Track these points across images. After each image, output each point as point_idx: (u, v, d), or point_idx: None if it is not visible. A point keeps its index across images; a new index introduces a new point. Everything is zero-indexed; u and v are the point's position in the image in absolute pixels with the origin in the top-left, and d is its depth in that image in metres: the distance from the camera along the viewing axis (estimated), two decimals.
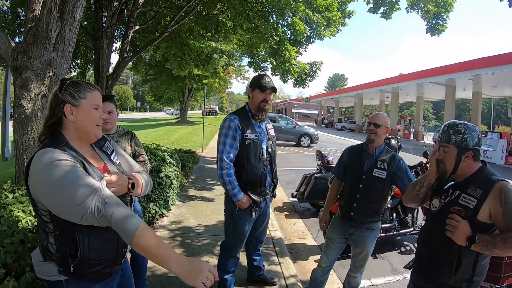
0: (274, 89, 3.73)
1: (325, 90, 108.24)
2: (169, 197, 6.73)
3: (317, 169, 8.69)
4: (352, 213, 3.68)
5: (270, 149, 3.87)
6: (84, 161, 1.83)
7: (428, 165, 6.64)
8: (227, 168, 3.56)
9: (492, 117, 67.00)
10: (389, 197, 6.09)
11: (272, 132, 4.00)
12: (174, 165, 7.26)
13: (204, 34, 12.41)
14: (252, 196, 3.70)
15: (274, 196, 4.11)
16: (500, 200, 2.14)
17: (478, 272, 2.30)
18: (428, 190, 2.53)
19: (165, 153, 7.12)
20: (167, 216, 6.62)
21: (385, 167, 3.61)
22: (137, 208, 3.86)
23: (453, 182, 2.43)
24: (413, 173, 6.30)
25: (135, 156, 3.71)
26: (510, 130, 33.88)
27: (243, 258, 4.49)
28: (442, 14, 8.44)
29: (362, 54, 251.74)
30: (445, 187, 2.45)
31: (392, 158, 3.67)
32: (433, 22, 8.64)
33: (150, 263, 4.51)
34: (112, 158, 2.13)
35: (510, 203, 2.12)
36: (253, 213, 3.78)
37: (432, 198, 2.50)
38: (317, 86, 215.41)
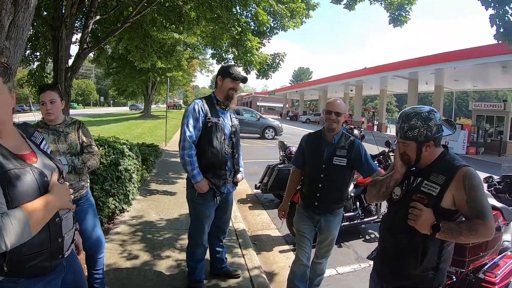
0: (245, 79, 3.85)
1: (290, 83, 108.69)
2: (129, 191, 6.55)
3: (280, 160, 8.73)
4: (316, 203, 3.66)
5: (233, 135, 3.91)
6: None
7: (391, 154, 6.72)
8: (189, 148, 3.59)
9: (453, 109, 68.77)
10: (352, 186, 6.15)
11: (236, 121, 4.05)
12: (133, 158, 7.05)
13: (167, 25, 12.18)
14: (212, 180, 3.71)
15: (236, 183, 4.08)
16: (464, 186, 2.10)
17: (444, 259, 2.26)
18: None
19: (124, 146, 6.88)
20: (128, 211, 6.45)
21: (344, 154, 3.59)
22: (91, 201, 3.70)
23: (413, 168, 2.37)
24: (376, 161, 6.35)
25: (83, 147, 3.53)
26: (471, 122, 34.97)
27: None
28: (405, 6, 8.52)
29: (328, 48, 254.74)
30: (405, 174, 2.38)
31: (351, 144, 3.65)
32: (396, 13, 8.71)
33: (109, 260, 4.39)
34: (42, 147, 1.98)
35: (474, 189, 2.09)
36: (216, 198, 3.80)
37: None
38: (282, 80, 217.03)
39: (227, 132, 3.84)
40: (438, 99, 36.51)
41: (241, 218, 6.77)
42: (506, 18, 5.94)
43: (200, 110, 3.67)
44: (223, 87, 3.79)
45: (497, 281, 3.24)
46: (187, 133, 3.59)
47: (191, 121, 3.63)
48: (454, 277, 3.23)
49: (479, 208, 2.07)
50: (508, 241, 4.05)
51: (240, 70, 3.83)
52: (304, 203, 3.81)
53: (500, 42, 6.23)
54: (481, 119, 31.55)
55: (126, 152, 6.72)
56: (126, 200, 6.47)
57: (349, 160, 3.60)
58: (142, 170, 8.60)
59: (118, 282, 4.07)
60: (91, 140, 3.63)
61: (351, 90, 50.69)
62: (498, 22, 6.02)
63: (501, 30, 6.03)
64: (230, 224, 5.97)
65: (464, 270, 3.25)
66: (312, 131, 3.94)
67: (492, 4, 5.97)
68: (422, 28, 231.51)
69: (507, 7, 5.91)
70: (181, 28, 11.88)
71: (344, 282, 4.89)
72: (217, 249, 4.35)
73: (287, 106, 79.67)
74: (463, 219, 2.18)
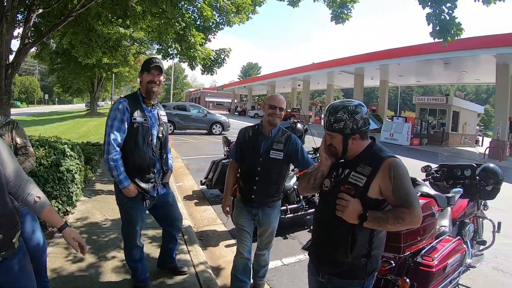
0: (159, 68, 3.62)
1: (238, 78, 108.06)
2: (72, 192, 6.29)
3: (225, 155, 8.74)
4: (253, 196, 3.69)
5: (160, 135, 3.76)
6: None
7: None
8: (113, 152, 3.40)
9: (398, 103, 71.25)
10: (295, 178, 6.24)
11: (164, 118, 3.89)
12: (75, 158, 6.78)
13: (113, 20, 11.84)
14: (140, 184, 3.56)
15: (165, 184, 3.95)
16: (389, 176, 2.16)
17: (375, 246, 2.31)
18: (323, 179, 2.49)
19: (65, 146, 6.60)
20: (72, 213, 6.23)
21: (281, 148, 3.66)
22: None
23: (342, 160, 2.42)
24: (318, 154, 6.47)
25: (17, 149, 3.38)
26: (414, 115, 36.51)
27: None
28: (347, 4, 8.65)
29: (276, 44, 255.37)
30: (334, 166, 2.43)
31: (288, 139, 3.73)
32: (338, 11, 8.84)
33: (54, 264, 4.25)
34: None
35: (399, 179, 2.15)
36: (146, 202, 3.66)
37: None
38: (230, 75, 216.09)
39: (154, 132, 3.69)
40: (383, 94, 38.19)
41: (187, 215, 6.72)
42: (442, 16, 6.20)
43: (125, 110, 3.47)
44: (143, 82, 3.64)
45: (435, 264, 3.37)
46: (111, 136, 3.40)
47: (115, 123, 3.44)
48: (393, 262, 3.33)
49: (404, 197, 2.14)
50: (445, 226, 4.23)
51: (156, 61, 3.65)
52: (242, 196, 3.85)
53: (435, 39, 6.47)
54: (424, 112, 33.22)
55: (68, 152, 6.46)
56: (70, 201, 6.23)
57: (286, 154, 3.66)
58: (86, 170, 8.33)
59: (64, 286, 3.94)
60: (25, 141, 3.47)
61: (299, 85, 51.49)
62: (434, 21, 6.27)
63: (437, 28, 6.28)
64: None
65: (401, 256, 3.38)
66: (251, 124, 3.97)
67: (429, 4, 6.21)
68: (365, 26, 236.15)
69: (443, 7, 6.15)
70: (128, 22, 11.59)
71: (290, 273, 4.96)
72: (170, 246, 4.31)
73: (235, 101, 79.62)
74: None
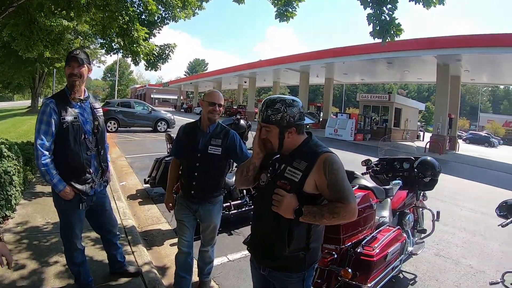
0: (76, 60, 3.41)
1: (185, 75, 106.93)
2: (11, 196, 5.93)
3: (168, 153, 8.58)
4: (192, 192, 3.70)
5: (96, 130, 3.59)
6: None
7: None
8: (42, 157, 3.24)
9: (343, 100, 73.10)
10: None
11: (99, 111, 3.71)
12: (13, 159, 6.42)
13: (56, 11, 11.35)
14: (76, 186, 3.43)
15: (106, 182, 3.85)
16: (324, 171, 2.17)
17: (313, 239, 2.33)
18: (256, 171, 2.49)
19: (2, 146, 6.23)
20: (12, 218, 5.87)
21: (219, 143, 3.68)
22: None
23: (278, 156, 2.42)
24: None
25: None
26: (358, 111, 37.69)
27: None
28: (293, 3, 8.71)
29: (225, 42, 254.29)
30: (270, 161, 2.44)
31: (226, 134, 3.75)
32: (283, 9, 8.90)
33: None
34: None
35: (334, 174, 2.17)
36: (82, 204, 3.52)
37: (260, 173, 2.48)
38: (177, 71, 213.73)
39: (88, 129, 3.52)
40: (328, 91, 39.22)
41: (130, 215, 6.60)
42: (383, 17, 6.36)
43: (52, 112, 3.29)
44: (67, 77, 3.47)
45: (375, 253, 3.51)
46: (38, 142, 3.25)
47: (42, 127, 3.27)
48: (335, 254, 3.41)
49: (340, 192, 2.17)
50: (385, 217, 4.38)
51: (77, 52, 3.45)
52: (183, 192, 3.84)
53: (375, 39, 6.63)
54: (368, 109, 34.48)
55: (5, 152, 6.10)
56: (9, 205, 5.87)
57: (224, 149, 3.69)
58: (26, 172, 7.89)
59: None
60: None
61: (245, 82, 51.81)
62: (374, 21, 6.43)
63: (377, 28, 6.44)
64: (119, 222, 5.75)
65: (343, 247, 3.46)
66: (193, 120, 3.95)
67: (370, 4, 6.36)
68: (314, 24, 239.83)
69: (384, 8, 6.32)
70: (71, 14, 11.16)
71: (236, 268, 4.97)
72: (112, 252, 4.21)
73: (181, 98, 78.92)
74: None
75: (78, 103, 3.50)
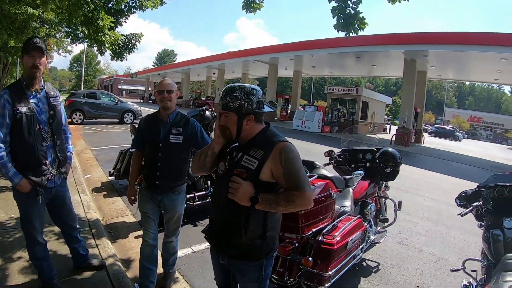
0: (40, 49, 3.35)
1: (153, 65, 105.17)
2: None
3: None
4: (157, 182, 3.70)
5: (51, 120, 3.50)
6: None
7: None
8: None
9: (312, 93, 73.51)
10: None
11: (56, 100, 3.61)
12: None
13: None
14: (32, 178, 3.35)
15: (64, 173, 3.75)
16: (280, 160, 2.21)
17: (270, 227, 2.37)
18: (214, 158, 2.51)
19: None
20: None
21: (180, 132, 3.69)
22: None
23: (236, 144, 2.45)
24: None
25: None
26: (326, 104, 38.12)
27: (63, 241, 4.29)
28: None
29: (194, 32, 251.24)
30: (228, 150, 2.47)
31: (186, 122, 3.77)
32: (250, 0, 8.87)
33: None
34: None
35: (290, 163, 2.22)
36: (39, 197, 3.45)
37: (218, 162, 2.50)
38: (145, 62, 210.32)
39: (43, 119, 3.42)
40: (296, 83, 39.64)
41: (95, 208, 6.50)
42: (347, 10, 6.44)
43: (6, 103, 3.20)
44: (25, 67, 3.39)
45: (336, 241, 3.60)
46: None
47: None
48: (295, 243, 3.49)
49: (295, 180, 2.22)
50: (346, 206, 4.47)
51: (37, 41, 3.35)
52: (146, 184, 3.83)
53: (339, 32, 6.70)
54: (335, 101, 34.90)
55: None
56: None
57: (185, 137, 3.71)
58: None
59: None
60: None
61: (214, 73, 51.56)
62: (339, 14, 6.50)
63: (341, 21, 6.52)
64: (83, 215, 5.78)
65: (303, 236, 3.53)
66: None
67: None
68: (284, 18, 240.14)
69: (348, 1, 6.40)
70: (37, 1, 10.83)
71: (200, 259, 4.99)
72: (74, 245, 4.15)
73: (149, 89, 76.92)
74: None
75: (33, 93, 3.41)
